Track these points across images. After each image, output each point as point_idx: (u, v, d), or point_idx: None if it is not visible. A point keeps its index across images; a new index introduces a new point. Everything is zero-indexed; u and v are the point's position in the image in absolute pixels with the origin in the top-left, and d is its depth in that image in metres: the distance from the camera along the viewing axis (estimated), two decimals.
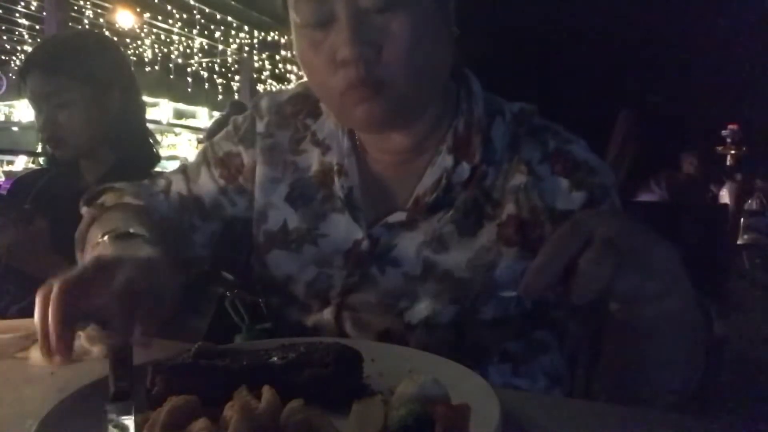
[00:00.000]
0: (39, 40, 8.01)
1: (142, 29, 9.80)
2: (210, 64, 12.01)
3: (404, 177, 0.86)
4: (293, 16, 0.78)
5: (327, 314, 0.85)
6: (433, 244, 0.82)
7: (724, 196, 3.89)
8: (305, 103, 0.94)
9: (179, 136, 15.04)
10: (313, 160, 0.91)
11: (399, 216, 0.83)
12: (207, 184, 0.95)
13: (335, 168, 0.87)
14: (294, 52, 0.81)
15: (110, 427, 0.51)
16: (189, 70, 11.80)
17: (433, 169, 0.83)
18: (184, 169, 0.99)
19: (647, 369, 0.68)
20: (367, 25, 0.72)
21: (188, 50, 11.10)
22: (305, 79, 0.83)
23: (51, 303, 0.60)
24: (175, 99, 14.39)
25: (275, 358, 0.62)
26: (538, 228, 0.81)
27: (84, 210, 0.92)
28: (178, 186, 0.97)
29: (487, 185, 0.83)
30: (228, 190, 0.95)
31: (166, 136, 14.25)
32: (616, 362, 0.73)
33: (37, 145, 1.56)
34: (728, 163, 5.06)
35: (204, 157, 0.97)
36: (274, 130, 0.94)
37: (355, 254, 0.84)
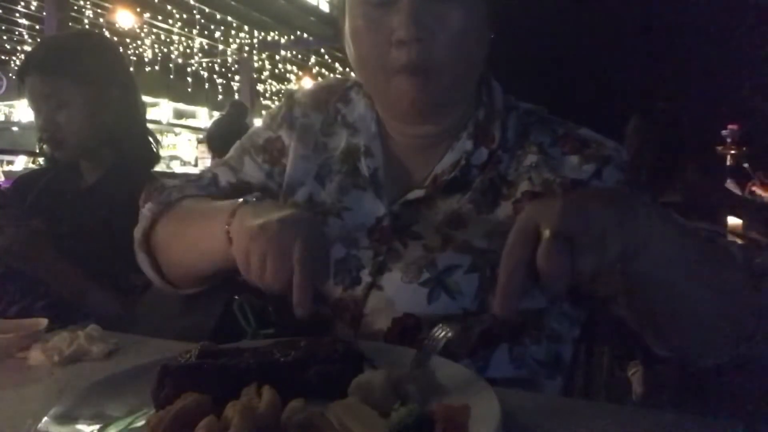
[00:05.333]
0: (39, 40, 8.01)
1: (142, 29, 9.79)
2: (210, 64, 12.01)
3: (424, 159, 0.92)
4: None
5: (358, 291, 0.87)
6: (452, 222, 0.86)
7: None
8: (336, 92, 1.01)
9: (179, 136, 15.03)
10: (341, 140, 0.96)
11: (417, 193, 0.88)
12: (253, 170, 1.00)
13: (362, 149, 0.93)
14: (346, 31, 0.86)
15: None
16: (189, 70, 11.79)
17: (452, 152, 0.89)
18: (225, 162, 1.03)
19: (683, 319, 0.70)
20: (426, 10, 0.77)
21: (188, 50, 11.09)
22: (349, 60, 0.88)
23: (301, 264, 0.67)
24: (175, 99, 14.38)
25: (280, 356, 0.62)
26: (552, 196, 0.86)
27: (147, 208, 0.96)
28: (226, 176, 1.01)
29: (502, 169, 0.89)
30: (273, 174, 0.99)
31: (166, 136, 14.22)
32: (652, 326, 0.75)
33: (37, 145, 1.56)
34: (728, 162, 5.07)
35: (243, 149, 1.02)
36: (309, 111, 1.00)
37: (378, 230, 0.88)
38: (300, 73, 12.78)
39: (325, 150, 0.97)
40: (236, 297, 0.90)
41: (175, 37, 10.48)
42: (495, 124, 0.90)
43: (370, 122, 0.95)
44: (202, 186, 1.00)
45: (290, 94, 1.04)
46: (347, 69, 0.95)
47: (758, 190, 4.36)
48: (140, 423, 0.56)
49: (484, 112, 0.91)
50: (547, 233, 0.53)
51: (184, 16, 9.42)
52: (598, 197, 0.60)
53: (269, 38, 10.56)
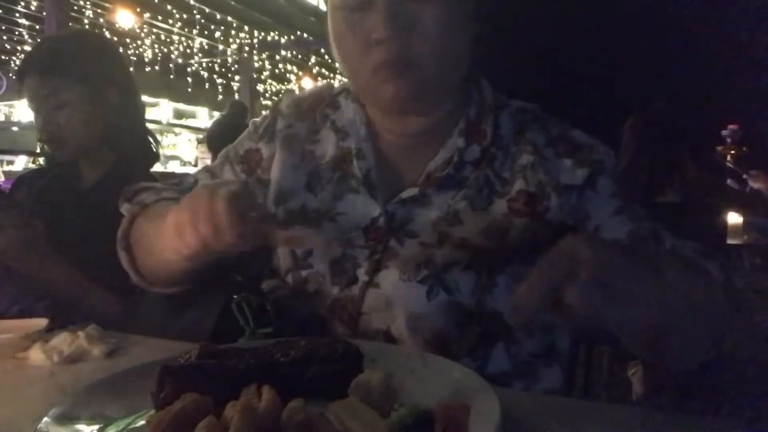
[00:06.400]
0: (39, 40, 8.00)
1: (142, 29, 9.79)
2: (210, 64, 12.00)
3: (417, 158, 0.92)
4: None
5: (354, 290, 0.88)
6: (447, 219, 0.87)
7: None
8: (324, 98, 1.03)
9: (179, 136, 15.02)
10: (328, 147, 0.98)
11: (411, 191, 0.89)
12: (230, 178, 1.03)
13: (354, 152, 0.94)
14: (330, 35, 0.89)
15: None
16: (189, 70, 11.78)
17: (445, 150, 0.90)
18: (208, 169, 1.07)
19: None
20: (401, 10, 0.79)
21: (188, 50, 11.09)
22: (337, 63, 0.90)
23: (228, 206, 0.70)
24: (175, 99, 14.36)
25: (280, 356, 0.62)
26: (545, 200, 0.88)
27: (124, 208, 1.00)
28: (205, 182, 1.04)
29: (496, 166, 0.90)
30: (249, 184, 1.02)
31: (166, 136, 14.22)
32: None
33: (37, 145, 1.56)
34: (728, 163, 5.06)
35: (227, 157, 1.06)
36: (293, 121, 1.02)
37: (373, 230, 0.89)
38: (300, 73, 12.77)
39: (313, 158, 0.98)
40: (235, 296, 0.90)
41: (175, 37, 10.47)
42: (486, 121, 0.91)
43: (360, 125, 0.96)
44: (182, 189, 1.03)
45: (275, 105, 1.06)
46: None
47: (755, 184, 4.34)
48: (140, 423, 0.56)
49: (475, 110, 0.92)
50: (585, 275, 0.52)
51: (184, 16, 9.41)
52: (646, 261, 0.60)
53: (269, 38, 10.55)
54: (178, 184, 1.06)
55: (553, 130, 0.92)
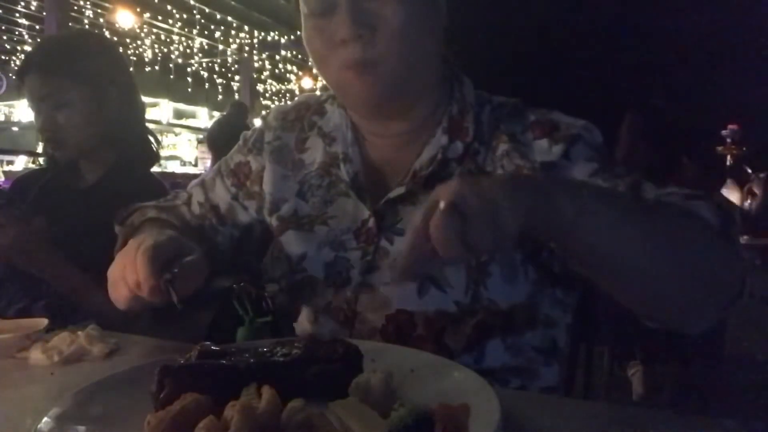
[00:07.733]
0: (39, 40, 8.01)
1: (142, 29, 9.80)
2: (210, 64, 12.01)
3: (403, 159, 0.93)
4: (302, 7, 0.87)
5: (348, 292, 0.89)
6: None
7: (724, 195, 3.89)
8: (310, 106, 1.05)
9: (179, 136, 15.04)
10: (317, 154, 1.00)
11: (399, 191, 0.90)
12: (221, 192, 1.06)
13: (341, 156, 0.95)
14: (304, 42, 0.91)
15: None
16: (189, 70, 11.80)
17: (429, 148, 0.91)
18: (202, 182, 1.10)
19: (650, 287, 0.70)
20: (362, 10, 0.81)
21: (188, 50, 11.10)
22: (313, 69, 0.93)
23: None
24: (175, 99, 14.38)
25: (280, 356, 0.62)
26: None
27: (117, 230, 1.03)
28: (198, 197, 1.08)
29: (479, 160, 0.91)
30: (239, 196, 1.05)
31: (166, 136, 14.23)
32: (627, 300, 0.74)
33: (37, 145, 1.57)
34: (728, 162, 5.08)
35: (219, 171, 1.09)
36: (281, 133, 1.04)
37: (364, 232, 0.91)
38: (300, 73, 12.78)
39: (303, 166, 1.00)
40: (234, 287, 0.91)
41: (175, 37, 10.48)
42: (467, 118, 0.92)
43: (346, 130, 0.97)
44: (175, 205, 1.07)
45: (264, 117, 1.09)
46: None
47: (757, 190, 4.37)
48: None
49: (457, 107, 0.93)
50: (441, 205, 0.57)
51: (184, 16, 9.42)
52: (499, 179, 0.63)
53: (269, 38, 10.56)
54: (173, 199, 1.09)
55: (530, 117, 0.92)
